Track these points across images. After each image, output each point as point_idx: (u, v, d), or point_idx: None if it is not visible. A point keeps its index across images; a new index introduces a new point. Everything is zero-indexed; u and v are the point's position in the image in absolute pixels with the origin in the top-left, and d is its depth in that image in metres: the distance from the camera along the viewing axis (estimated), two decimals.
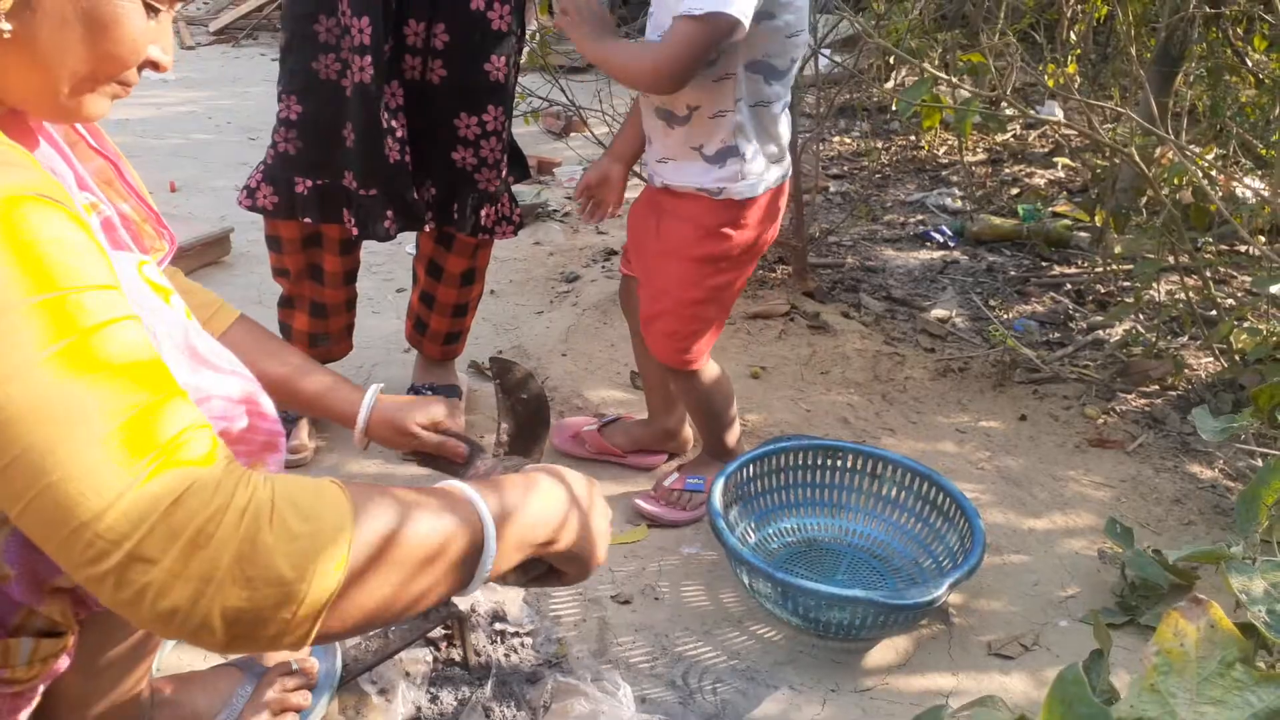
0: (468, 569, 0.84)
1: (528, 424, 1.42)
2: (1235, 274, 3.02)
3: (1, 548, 0.85)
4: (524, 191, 3.81)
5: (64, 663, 0.97)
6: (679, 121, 1.69)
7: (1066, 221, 3.46)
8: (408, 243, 3.44)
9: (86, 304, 0.72)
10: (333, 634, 0.77)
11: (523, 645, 1.57)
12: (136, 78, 0.90)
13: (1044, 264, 3.26)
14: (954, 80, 2.34)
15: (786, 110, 1.76)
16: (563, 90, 3.03)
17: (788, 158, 1.80)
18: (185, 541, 0.69)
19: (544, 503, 0.94)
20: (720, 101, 1.65)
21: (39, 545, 0.71)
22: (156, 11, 0.87)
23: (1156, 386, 2.47)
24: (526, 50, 3.11)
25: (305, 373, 1.32)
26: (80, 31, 0.82)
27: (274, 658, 1.39)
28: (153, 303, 0.93)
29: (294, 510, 0.73)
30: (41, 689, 0.98)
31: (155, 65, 0.91)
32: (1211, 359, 2.52)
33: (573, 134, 4.55)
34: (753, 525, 1.86)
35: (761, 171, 1.72)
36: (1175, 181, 2.66)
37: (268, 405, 1.01)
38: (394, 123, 1.84)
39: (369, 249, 3.33)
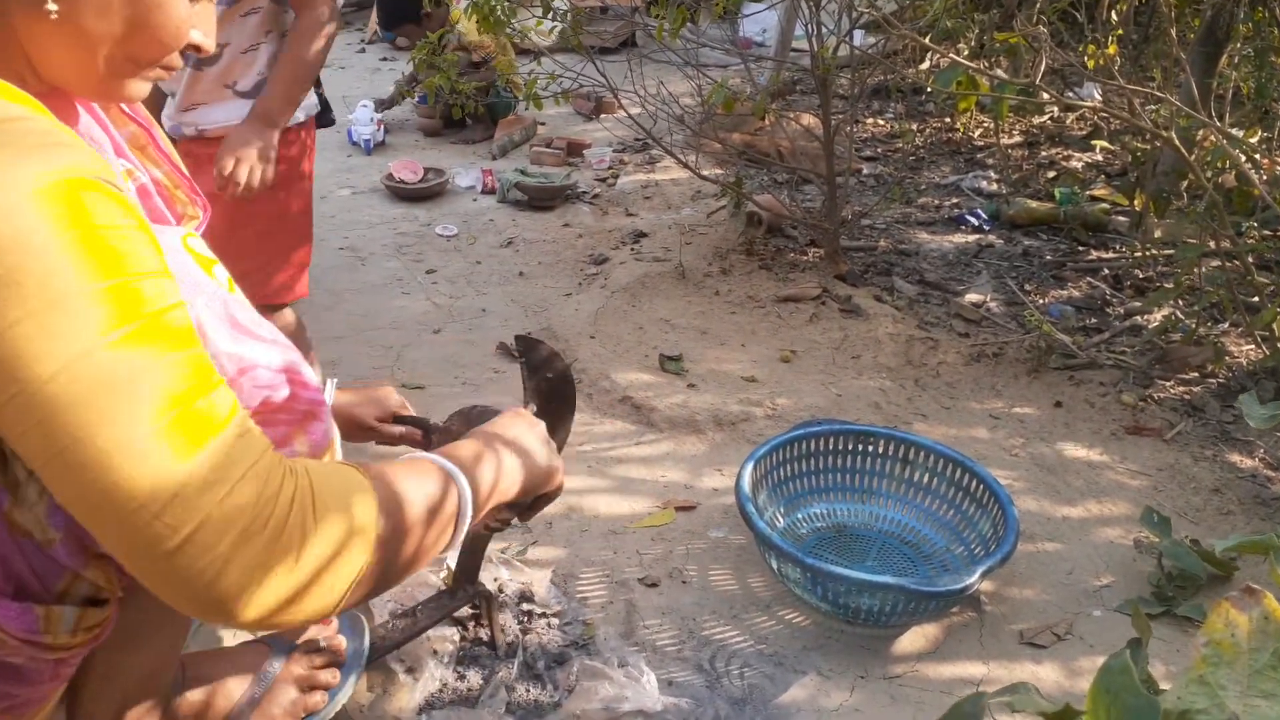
0: (452, 533, 0.95)
1: (553, 403, 1.41)
2: (1279, 259, 2.95)
3: (46, 510, 0.85)
4: (554, 173, 3.80)
5: (105, 634, 0.97)
6: (209, 63, 1.74)
7: (1104, 205, 3.39)
8: (438, 224, 3.44)
9: (146, 291, 0.73)
10: (361, 597, 0.84)
11: (549, 626, 1.57)
12: (179, 61, 0.91)
13: (1081, 248, 3.20)
14: (986, 64, 2.29)
15: None
16: (597, 69, 3.00)
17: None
18: (240, 529, 0.72)
19: (507, 469, 1.06)
20: (251, 36, 1.75)
21: (90, 529, 0.72)
22: None
23: (1196, 374, 2.42)
24: (558, 29, 3.10)
25: None
26: (124, 15, 0.83)
27: (303, 635, 1.39)
28: (196, 275, 0.94)
29: (332, 495, 0.79)
30: (80, 659, 0.98)
31: (197, 49, 0.91)
32: (1253, 346, 2.46)
33: (603, 115, 4.53)
34: (782, 510, 1.84)
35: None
36: (1218, 165, 2.59)
37: (309, 374, 1.02)
38: None
39: (398, 230, 3.35)
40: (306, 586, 0.76)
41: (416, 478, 0.90)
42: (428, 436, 1.40)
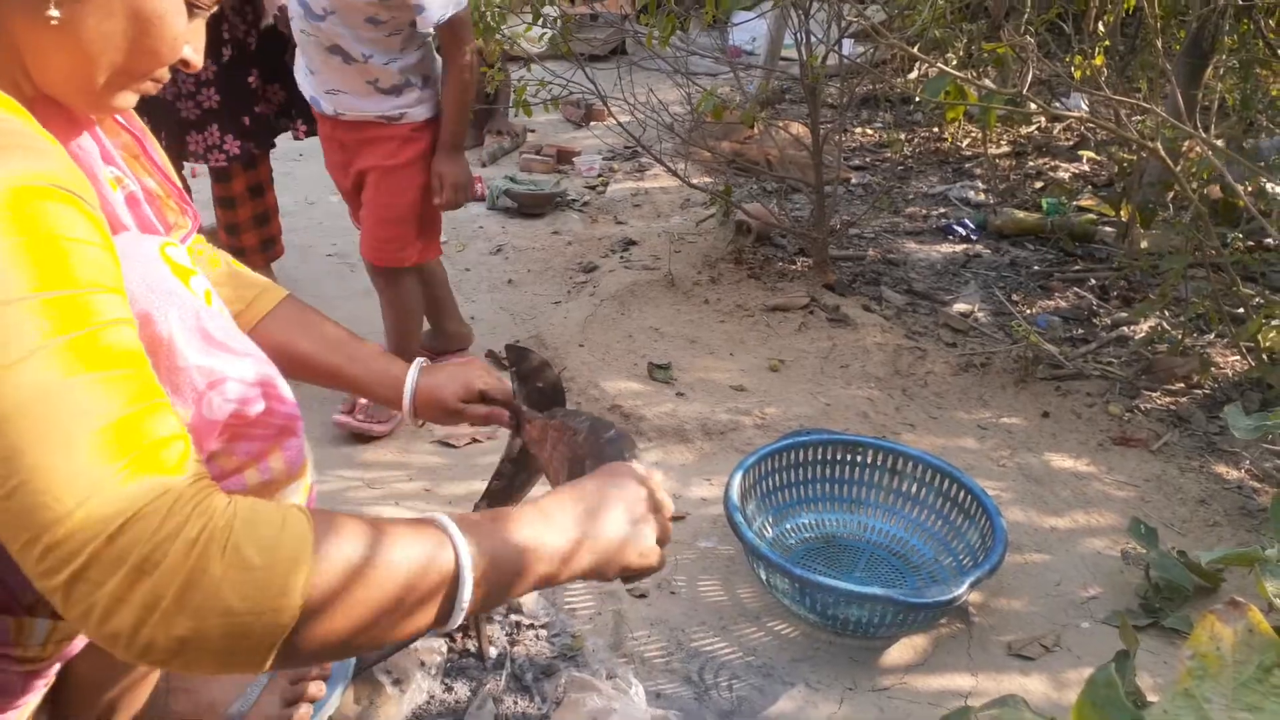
0: (445, 606, 0.79)
1: (543, 412, 1.41)
2: (1265, 271, 2.97)
3: None
4: (544, 181, 3.79)
5: (79, 644, 0.96)
6: (351, 60, 2.03)
7: (1091, 216, 3.41)
8: None
9: (92, 304, 0.71)
10: (293, 662, 0.73)
11: (537, 638, 1.56)
12: (168, 75, 0.91)
13: (1068, 259, 3.22)
14: (974, 74, 2.30)
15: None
16: (586, 76, 3.01)
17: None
18: (130, 567, 0.66)
19: (539, 538, 0.85)
20: (394, 50, 2.03)
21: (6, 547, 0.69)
22: (195, 12, 0.88)
23: (1182, 385, 2.43)
24: (548, 36, 3.10)
25: (346, 349, 1.27)
26: (125, 26, 0.83)
27: None
28: (171, 284, 0.93)
29: (252, 540, 0.69)
30: (56, 669, 0.97)
31: (186, 64, 0.92)
32: (1239, 357, 2.48)
33: (593, 122, 4.54)
34: (770, 520, 1.84)
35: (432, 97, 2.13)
36: (1204, 176, 2.61)
37: (284, 389, 1.00)
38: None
39: None
40: (210, 636, 0.68)
41: (400, 541, 0.76)
42: (517, 421, 1.33)
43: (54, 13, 0.79)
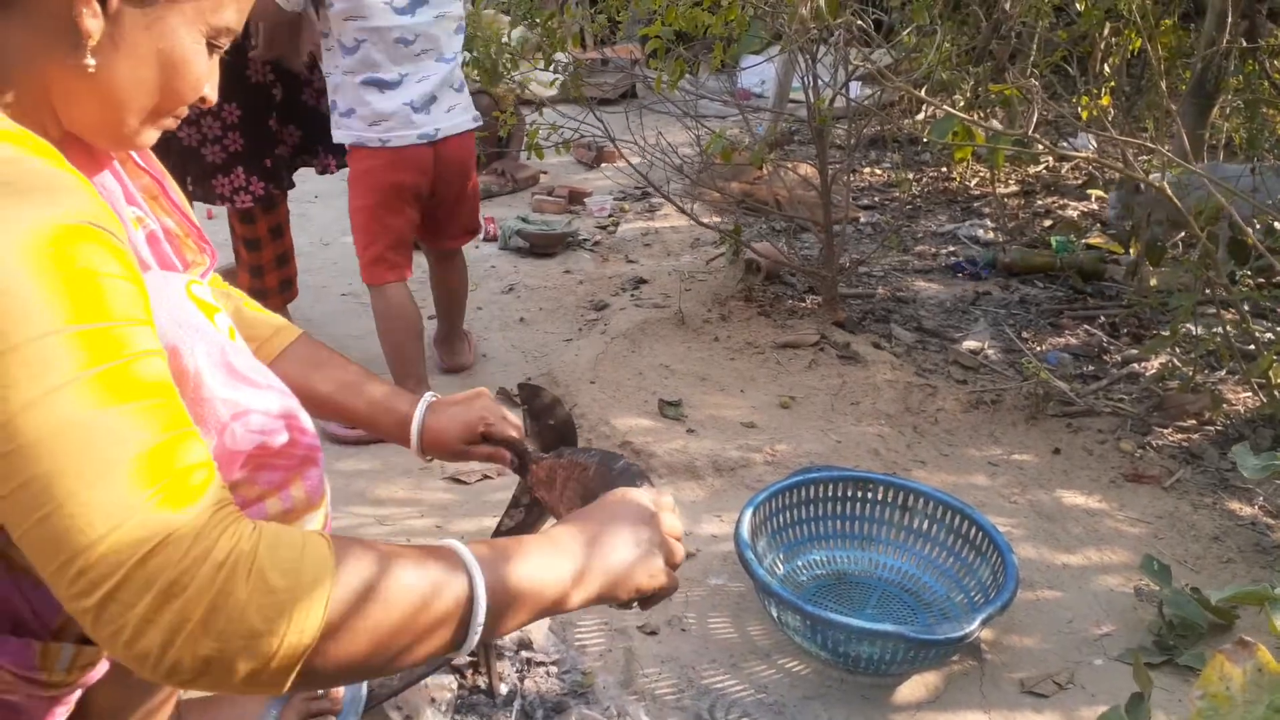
0: (460, 629, 0.82)
1: (554, 449, 1.42)
2: (1274, 308, 2.97)
3: None
4: (555, 221, 3.84)
5: (101, 669, 0.97)
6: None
7: (1100, 254, 3.42)
8: None
9: (122, 336, 0.73)
10: (312, 684, 0.76)
11: (548, 674, 1.56)
12: (186, 110, 0.96)
13: (1078, 296, 3.23)
14: (981, 115, 2.33)
15: (386, 89, 2.22)
16: (597, 119, 3.05)
17: (398, 129, 2.25)
18: (159, 590, 0.69)
19: (550, 564, 0.89)
20: (327, 65, 2.26)
21: (36, 568, 0.71)
22: (213, 51, 0.93)
23: (1194, 421, 2.43)
24: (559, 81, 3.16)
25: (357, 389, 1.31)
26: (156, 69, 0.87)
27: None
28: (197, 320, 0.96)
29: (275, 564, 0.72)
30: (77, 696, 0.98)
31: (204, 100, 0.97)
32: (1250, 394, 2.47)
33: (604, 164, 4.59)
34: (781, 557, 1.84)
35: (358, 129, 2.25)
36: (1212, 215, 2.62)
37: (306, 420, 1.03)
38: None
39: None
40: (235, 657, 0.70)
41: (416, 566, 0.80)
42: (523, 461, 1.35)
43: (90, 61, 0.83)
